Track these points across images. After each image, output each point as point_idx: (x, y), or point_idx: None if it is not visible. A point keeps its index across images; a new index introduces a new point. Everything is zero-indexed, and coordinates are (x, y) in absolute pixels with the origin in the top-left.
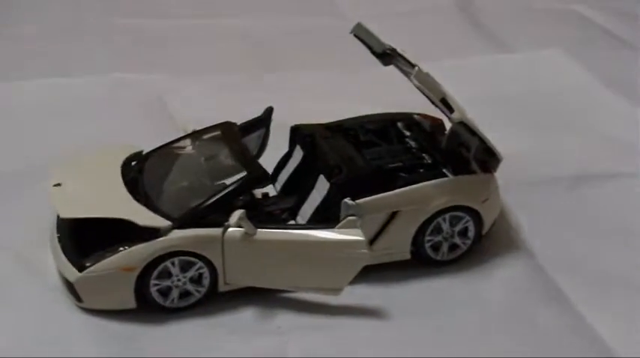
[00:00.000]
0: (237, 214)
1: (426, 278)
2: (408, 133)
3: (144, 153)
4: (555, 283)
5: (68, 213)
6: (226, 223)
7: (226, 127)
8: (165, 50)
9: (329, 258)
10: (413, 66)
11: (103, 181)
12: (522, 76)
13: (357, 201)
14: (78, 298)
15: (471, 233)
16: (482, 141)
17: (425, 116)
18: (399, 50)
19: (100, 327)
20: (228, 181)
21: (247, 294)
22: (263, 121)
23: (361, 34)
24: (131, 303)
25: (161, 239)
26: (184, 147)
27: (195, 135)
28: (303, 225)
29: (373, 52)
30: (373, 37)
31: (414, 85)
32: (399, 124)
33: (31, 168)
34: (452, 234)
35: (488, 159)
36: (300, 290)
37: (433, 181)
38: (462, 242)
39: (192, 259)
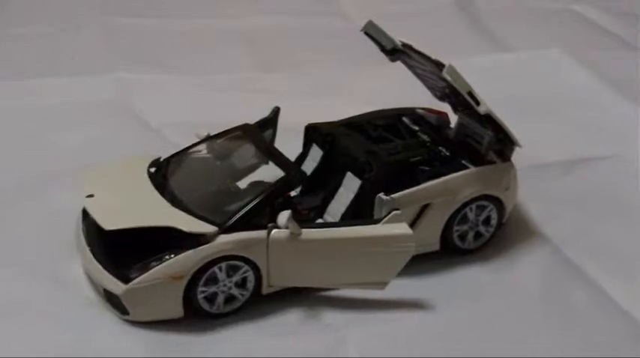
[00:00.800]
0: (285, 215)
1: (455, 268)
2: (417, 128)
3: (161, 159)
4: (575, 264)
5: (112, 225)
6: (270, 224)
7: (247, 129)
8: (165, 50)
9: (376, 253)
10: (429, 60)
11: (136, 190)
12: (522, 75)
13: (392, 195)
14: (123, 311)
15: (494, 221)
16: (497, 132)
17: (430, 110)
18: (414, 46)
19: (148, 339)
20: (264, 183)
21: (288, 295)
22: (270, 121)
23: (372, 31)
24: (178, 312)
25: (209, 245)
26: (207, 151)
27: (215, 139)
28: (348, 222)
29: (382, 49)
30: (383, 34)
31: (445, 79)
32: (406, 119)
33: (32, 177)
34: (477, 222)
35: (502, 148)
36: (345, 287)
37: (460, 173)
38: (485, 230)
39: (238, 263)
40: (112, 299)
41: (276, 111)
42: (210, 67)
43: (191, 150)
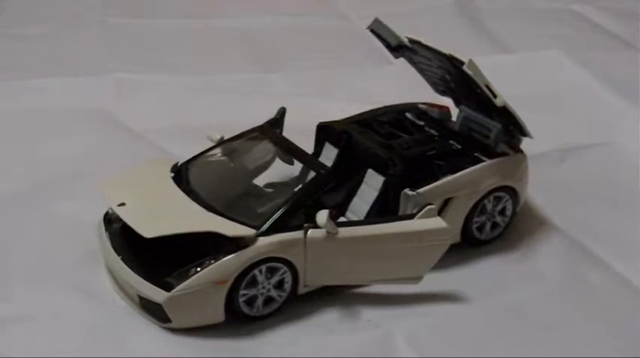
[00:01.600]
0: (324, 214)
1: (475, 259)
2: (421, 123)
3: (179, 163)
4: (589, 250)
5: (153, 233)
6: (306, 224)
7: (266, 130)
8: (165, 50)
9: (412, 248)
10: (441, 54)
11: (166, 196)
12: (522, 75)
13: (417, 190)
14: (164, 319)
15: (509, 211)
16: (507, 123)
17: (431, 105)
18: (423, 41)
19: (191, 345)
20: (295, 183)
21: (321, 294)
22: (277, 122)
23: (378, 28)
24: (220, 317)
25: (250, 248)
26: (226, 154)
27: (233, 141)
28: (382, 218)
29: (387, 45)
30: (389, 31)
31: (467, 72)
32: (409, 115)
33: (31, 185)
34: (493, 213)
35: (510, 139)
36: (380, 283)
37: (480, 165)
38: (501, 220)
39: (277, 265)
40: (149, 308)
41: (282, 112)
42: (210, 67)
43: (209, 154)
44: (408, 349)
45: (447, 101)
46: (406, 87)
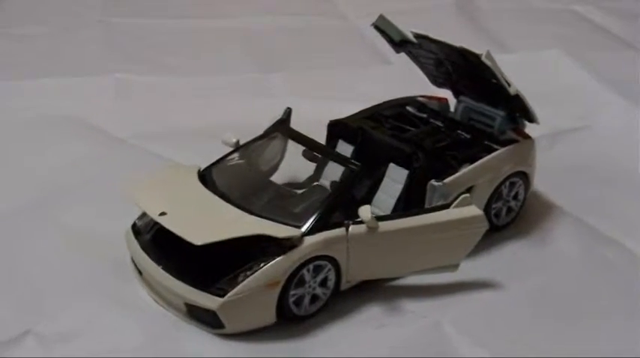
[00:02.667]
0: (367, 209)
1: (493, 245)
2: (424, 115)
3: (201, 169)
4: (598, 229)
5: (203, 240)
6: (346, 221)
7: (287, 131)
8: (165, 50)
9: (449, 237)
10: (452, 48)
11: (202, 202)
12: (522, 75)
13: (444, 181)
14: (218, 325)
15: (521, 195)
16: (513, 111)
17: (429, 97)
18: (431, 36)
19: (246, 349)
20: (330, 180)
21: (360, 290)
22: (284, 122)
23: (383, 24)
24: (271, 319)
25: (299, 248)
26: (249, 156)
27: (254, 143)
28: (419, 210)
29: (390, 41)
30: (393, 27)
31: (485, 63)
32: (410, 108)
33: (39, 197)
34: (508, 199)
35: (514, 126)
36: (418, 273)
37: (496, 153)
38: (515, 205)
39: (323, 263)
40: (199, 316)
41: (288, 112)
42: (210, 68)
43: (232, 157)
44: (459, 336)
45: (443, 93)
46: (405, 86)
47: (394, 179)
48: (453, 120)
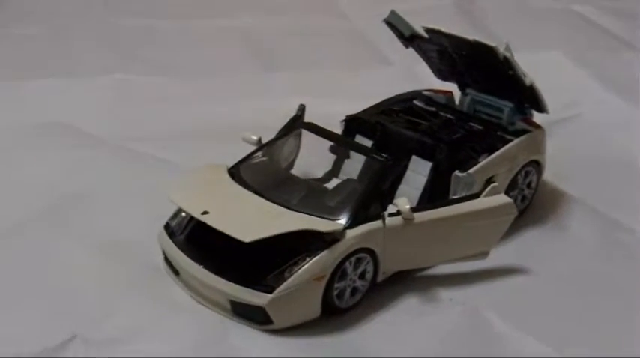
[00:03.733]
0: (404, 201)
1: (515, 233)
2: (432, 108)
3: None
4: (607, 215)
5: (251, 237)
6: (382, 213)
7: (311, 127)
8: (166, 50)
9: (481, 225)
10: (466, 41)
11: (240, 200)
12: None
13: (468, 171)
14: (265, 321)
15: (534, 183)
16: (518, 103)
17: (435, 91)
18: (443, 30)
19: (294, 344)
20: (357, 174)
21: (394, 281)
22: (299, 119)
23: (393, 20)
24: (317, 313)
25: (342, 241)
26: (275, 153)
27: (278, 139)
28: (450, 200)
29: (400, 36)
30: (404, 22)
31: (504, 54)
32: (417, 102)
33: (52, 203)
34: (522, 187)
35: (522, 116)
36: (451, 262)
37: (513, 143)
38: (528, 193)
39: (363, 255)
40: (245, 313)
41: (302, 109)
42: (210, 68)
43: (258, 154)
44: (501, 322)
45: (447, 87)
46: (405, 86)
47: (418, 171)
48: (462, 112)
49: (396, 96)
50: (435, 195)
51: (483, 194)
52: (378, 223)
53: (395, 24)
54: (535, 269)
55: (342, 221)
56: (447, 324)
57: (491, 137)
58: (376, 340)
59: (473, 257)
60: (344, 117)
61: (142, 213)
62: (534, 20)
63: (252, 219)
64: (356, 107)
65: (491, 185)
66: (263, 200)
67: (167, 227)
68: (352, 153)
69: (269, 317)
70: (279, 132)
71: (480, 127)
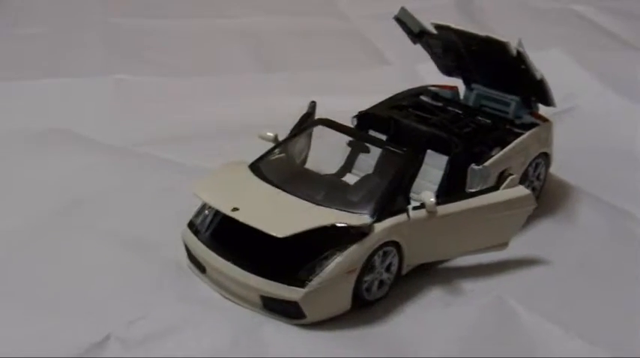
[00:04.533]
0: (430, 194)
1: (526, 225)
2: (439, 103)
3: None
4: (615, 205)
5: (284, 232)
6: (407, 206)
7: (329, 123)
8: (165, 50)
9: (501, 217)
10: (476, 37)
11: (268, 195)
12: None
13: (484, 164)
14: (298, 315)
15: (542, 175)
16: (528, 96)
17: (441, 86)
18: (453, 26)
19: (324, 338)
20: (380, 168)
21: (416, 274)
22: (310, 116)
23: (403, 17)
24: (348, 306)
25: (371, 235)
26: (293, 150)
27: (297, 136)
28: (471, 193)
29: (409, 32)
30: (413, 19)
31: (518, 49)
32: (424, 97)
33: (67, 205)
34: (532, 178)
35: (528, 109)
36: (470, 253)
37: (525, 135)
38: (538, 184)
39: (389, 248)
40: (276, 308)
41: (313, 106)
42: (210, 68)
43: (277, 151)
44: (526, 310)
45: (450, 82)
46: (405, 86)
47: (433, 165)
48: (469, 107)
49: (404, 91)
50: (451, 188)
51: (502, 186)
52: (403, 216)
53: (405, 20)
54: (551, 258)
55: (370, 215)
56: (473, 315)
57: (500, 131)
58: (404, 332)
59: (493, 248)
60: (356, 114)
61: (158, 213)
62: (534, 20)
63: (282, 214)
64: (356, 106)
65: (510, 177)
66: (289, 195)
67: (191, 225)
68: (367, 149)
69: (302, 311)
70: (294, 128)
71: (488, 121)
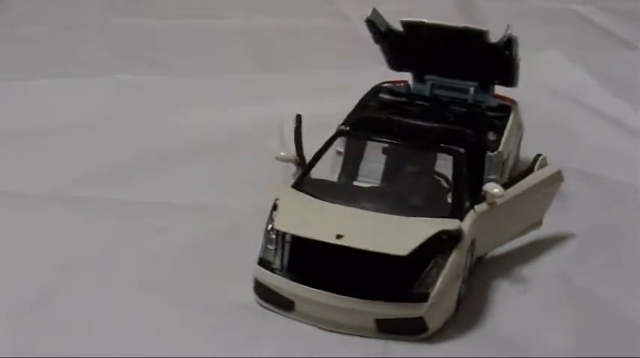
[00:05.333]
0: (494, 185)
1: None
2: (402, 99)
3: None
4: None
5: (405, 249)
6: (473, 202)
7: (359, 132)
8: (165, 50)
9: (537, 197)
10: (454, 29)
11: (349, 216)
12: (521, 75)
13: (498, 151)
14: (421, 330)
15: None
16: (484, 82)
17: (393, 82)
18: (427, 22)
19: (439, 340)
20: (430, 169)
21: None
22: (298, 130)
23: (375, 17)
24: (453, 310)
25: (465, 238)
26: (346, 155)
27: (325, 151)
28: (511, 180)
29: (377, 32)
30: (382, 20)
31: (509, 36)
32: (383, 95)
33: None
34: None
35: (488, 93)
36: (516, 237)
37: (512, 118)
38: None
39: (472, 246)
40: (393, 328)
41: (299, 119)
42: (210, 68)
43: (310, 170)
44: (599, 288)
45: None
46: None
47: (447, 159)
48: (432, 98)
49: (365, 95)
50: (471, 178)
51: (535, 167)
52: (472, 213)
53: (375, 21)
54: (575, 231)
55: (454, 218)
56: (555, 296)
57: (481, 116)
58: (510, 329)
59: (531, 228)
60: (346, 123)
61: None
62: (534, 20)
63: (385, 232)
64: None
65: (540, 157)
66: (369, 212)
67: (264, 262)
68: (367, 153)
69: (425, 325)
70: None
71: (463, 109)
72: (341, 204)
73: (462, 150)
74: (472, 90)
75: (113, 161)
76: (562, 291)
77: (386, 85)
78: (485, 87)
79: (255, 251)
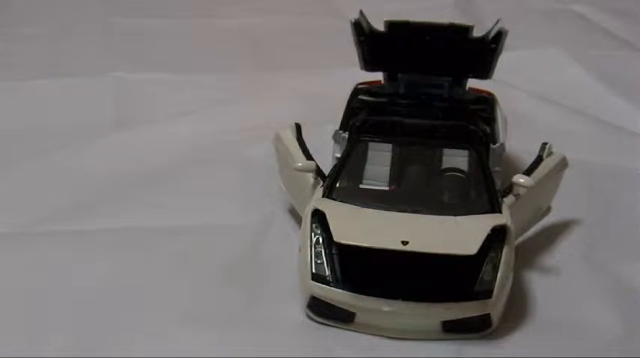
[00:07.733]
0: (523, 176)
1: None
2: (382, 99)
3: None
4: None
5: (472, 249)
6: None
7: (373, 135)
8: (165, 50)
9: (549, 184)
10: (439, 26)
11: (400, 220)
12: (522, 75)
13: (500, 142)
14: (486, 326)
15: None
16: (457, 76)
17: (369, 83)
18: (412, 21)
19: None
20: (450, 168)
21: None
22: (300, 139)
23: (361, 19)
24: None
25: (509, 230)
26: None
27: (349, 158)
28: (527, 170)
29: (360, 34)
30: (367, 22)
31: (500, 29)
32: (364, 97)
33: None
34: None
35: (461, 86)
36: (533, 225)
37: (499, 109)
38: None
39: None
40: (460, 327)
41: (298, 127)
42: (209, 67)
43: (338, 179)
44: (633, 273)
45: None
46: None
47: (456, 154)
48: (411, 96)
49: (349, 99)
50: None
51: (545, 155)
52: (505, 206)
53: (362, 23)
54: (584, 217)
55: (493, 212)
56: (588, 278)
57: (469, 110)
58: (558, 317)
59: (543, 215)
60: (343, 129)
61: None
62: (534, 20)
63: (443, 233)
64: None
65: (547, 145)
66: (417, 215)
67: (318, 277)
68: (369, 157)
69: (491, 321)
70: (346, 148)
71: (446, 104)
72: (382, 209)
73: (478, 147)
74: (446, 85)
75: (112, 183)
76: (590, 273)
77: (362, 86)
78: (459, 81)
79: (282, 268)
